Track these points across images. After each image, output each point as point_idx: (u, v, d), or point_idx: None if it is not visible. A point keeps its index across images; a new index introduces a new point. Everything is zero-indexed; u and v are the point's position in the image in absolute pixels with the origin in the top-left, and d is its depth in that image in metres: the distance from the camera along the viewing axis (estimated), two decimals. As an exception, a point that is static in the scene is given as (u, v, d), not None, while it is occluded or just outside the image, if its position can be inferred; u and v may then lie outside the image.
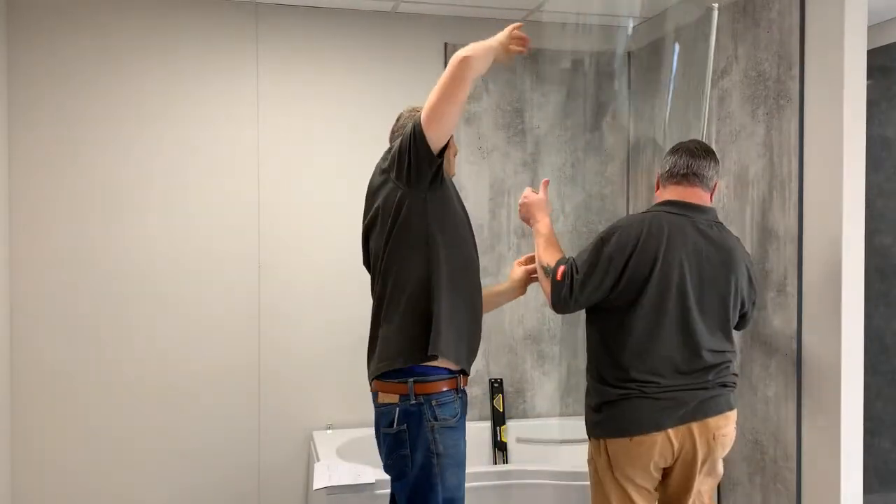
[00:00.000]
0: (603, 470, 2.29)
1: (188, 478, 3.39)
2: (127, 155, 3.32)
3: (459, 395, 2.17)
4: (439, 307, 2.07)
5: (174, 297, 3.37)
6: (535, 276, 2.54)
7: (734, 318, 2.33)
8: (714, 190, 2.37)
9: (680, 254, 2.22)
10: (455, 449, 2.11)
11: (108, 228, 3.30)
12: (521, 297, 3.36)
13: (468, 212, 2.30)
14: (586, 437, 2.36)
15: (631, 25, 3.80)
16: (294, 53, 3.49)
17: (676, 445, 2.20)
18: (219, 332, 3.42)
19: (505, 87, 3.70)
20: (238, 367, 3.44)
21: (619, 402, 2.22)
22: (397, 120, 2.34)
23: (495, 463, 3.59)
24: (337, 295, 3.51)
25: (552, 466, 3.03)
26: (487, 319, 3.71)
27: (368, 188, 2.30)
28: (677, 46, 2.93)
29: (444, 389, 2.10)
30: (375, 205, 2.19)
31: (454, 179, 2.32)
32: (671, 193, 2.34)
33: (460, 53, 1.99)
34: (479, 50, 2.01)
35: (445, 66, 3.62)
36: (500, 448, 3.63)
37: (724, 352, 2.28)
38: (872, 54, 2.96)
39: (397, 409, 2.08)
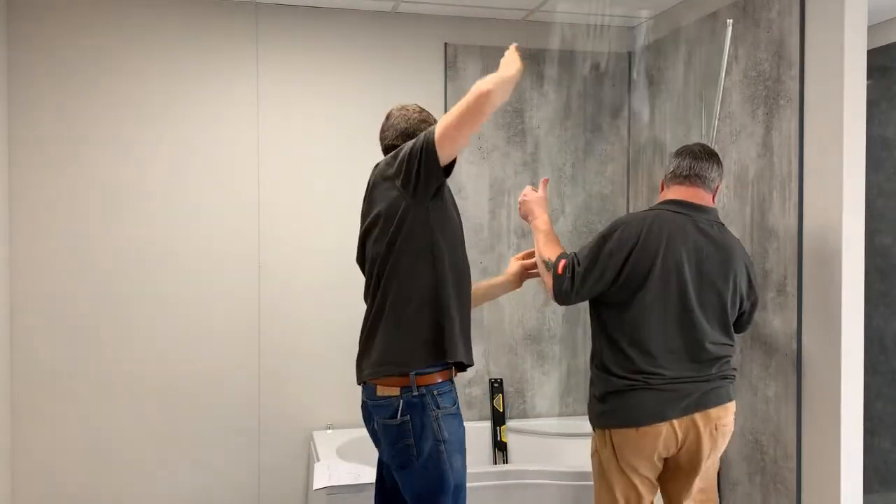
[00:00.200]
0: (607, 460, 2.35)
1: (188, 478, 3.39)
2: (127, 155, 3.32)
3: (453, 383, 2.25)
4: (449, 314, 2.16)
5: (174, 297, 3.37)
6: (531, 271, 2.60)
7: (732, 316, 2.39)
8: (716, 192, 2.45)
9: (680, 251, 2.29)
10: (457, 435, 2.19)
11: (108, 228, 3.30)
12: (522, 298, 3.37)
13: (468, 212, 2.32)
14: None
15: (635, 24, 3.81)
16: (294, 53, 3.49)
17: (680, 436, 2.27)
18: (219, 332, 3.42)
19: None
20: (238, 367, 3.44)
21: (624, 392, 2.28)
22: (387, 118, 2.36)
23: (495, 463, 3.59)
24: (337, 295, 3.50)
25: (552, 466, 3.03)
26: (487, 319, 3.72)
27: (369, 187, 2.31)
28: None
29: (441, 380, 2.18)
30: (377, 209, 2.21)
31: (452, 178, 2.33)
32: (674, 193, 2.41)
33: (483, 87, 1.99)
34: (502, 83, 2.03)
35: (445, 66, 3.68)
36: (500, 448, 3.63)
37: (725, 345, 2.35)
38: (872, 54, 2.96)
39: (400, 401, 2.14)
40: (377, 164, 2.32)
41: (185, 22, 3.37)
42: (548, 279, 2.38)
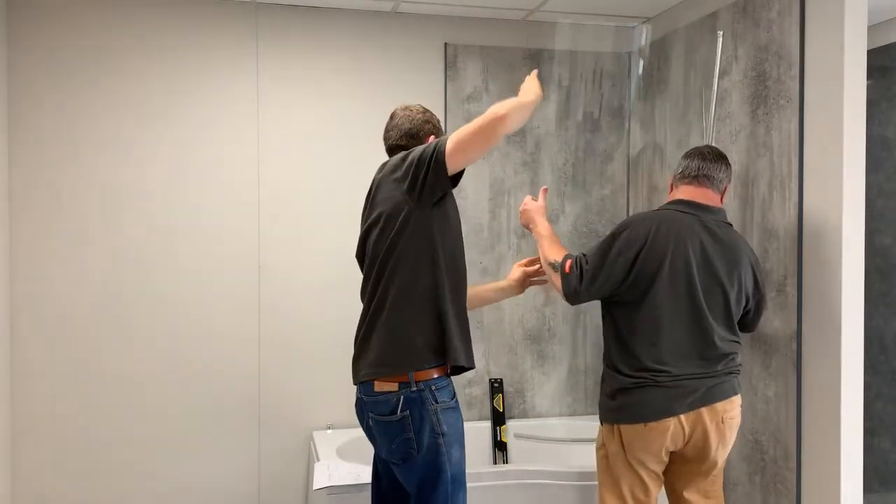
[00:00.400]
0: (614, 455, 2.42)
1: (188, 477, 3.39)
2: (127, 155, 3.32)
3: (450, 378, 2.28)
4: (447, 318, 2.18)
5: (174, 296, 3.37)
6: (534, 279, 2.67)
7: (737, 314, 2.44)
8: (724, 193, 2.50)
9: (688, 250, 2.34)
10: (456, 427, 2.23)
11: (108, 228, 3.30)
12: (522, 298, 3.37)
13: (468, 212, 2.34)
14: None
15: (635, 25, 3.81)
16: (294, 53, 3.49)
17: (687, 430, 2.33)
18: (219, 332, 3.42)
19: (505, 87, 3.70)
20: (238, 367, 3.44)
21: (632, 389, 2.34)
22: (391, 118, 2.41)
23: (495, 463, 3.59)
24: (337, 295, 3.50)
25: (552, 466, 3.03)
26: (487, 319, 3.72)
27: (373, 186, 2.34)
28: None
29: (438, 375, 2.21)
30: (380, 209, 2.24)
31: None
32: (682, 193, 2.48)
33: (499, 111, 2.07)
34: (520, 108, 2.10)
35: (445, 66, 3.68)
36: (500, 448, 3.63)
37: (732, 342, 2.41)
38: (872, 54, 2.96)
39: (400, 396, 2.17)
40: (384, 164, 2.34)
41: (185, 22, 3.37)
42: (556, 280, 2.44)
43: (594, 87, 3.82)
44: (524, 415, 3.77)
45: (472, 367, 2.28)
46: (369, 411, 2.28)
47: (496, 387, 3.71)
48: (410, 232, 2.16)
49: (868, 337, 2.90)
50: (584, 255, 2.43)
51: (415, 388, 2.16)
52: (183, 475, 3.39)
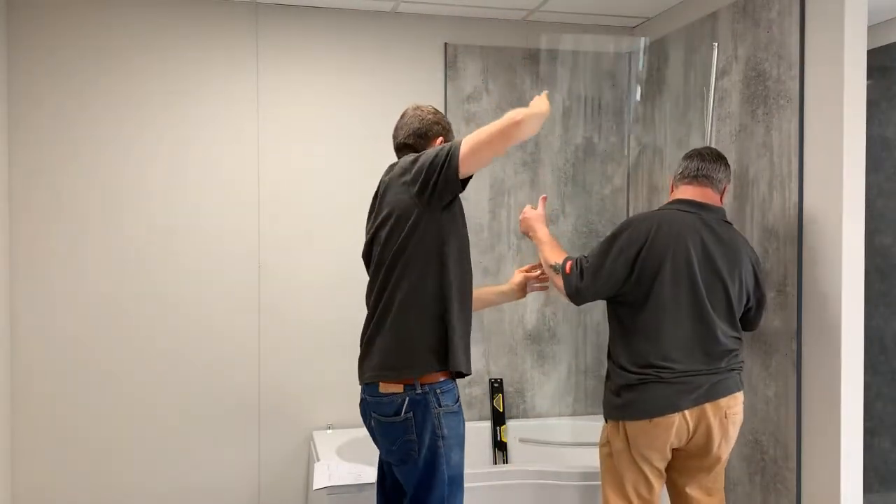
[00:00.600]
0: (619, 451, 2.44)
1: (188, 477, 3.39)
2: (127, 155, 3.32)
3: (454, 381, 2.30)
4: (453, 323, 2.21)
5: (174, 296, 3.37)
6: (535, 284, 2.73)
7: (739, 311, 2.47)
8: (724, 193, 2.54)
9: (689, 247, 2.37)
10: (457, 431, 2.25)
11: (108, 228, 3.30)
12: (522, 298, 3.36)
13: (468, 212, 2.36)
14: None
15: (635, 25, 3.81)
16: (294, 53, 3.49)
17: (691, 426, 2.35)
18: (219, 332, 3.42)
19: (505, 87, 3.70)
20: (238, 367, 3.44)
21: (637, 386, 2.37)
22: (402, 117, 2.43)
23: (495, 463, 3.59)
24: (337, 295, 3.50)
25: (552, 466, 3.03)
26: (487, 319, 3.72)
27: (381, 187, 2.34)
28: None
29: (443, 379, 2.23)
30: (388, 210, 2.24)
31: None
32: (682, 193, 2.52)
33: (517, 116, 2.07)
34: (534, 117, 2.11)
35: (445, 66, 3.68)
36: (500, 448, 3.63)
37: (734, 338, 2.44)
38: (872, 54, 2.96)
39: (406, 398, 2.19)
40: (392, 165, 2.34)
41: (185, 22, 3.37)
42: (558, 281, 2.48)
43: (594, 87, 3.81)
44: (524, 415, 3.77)
45: (468, 374, 2.29)
46: (372, 412, 2.29)
47: (496, 387, 3.71)
48: (420, 235, 2.17)
49: (868, 337, 2.90)
50: (585, 256, 2.48)
51: (420, 391, 2.18)
52: (183, 475, 3.39)
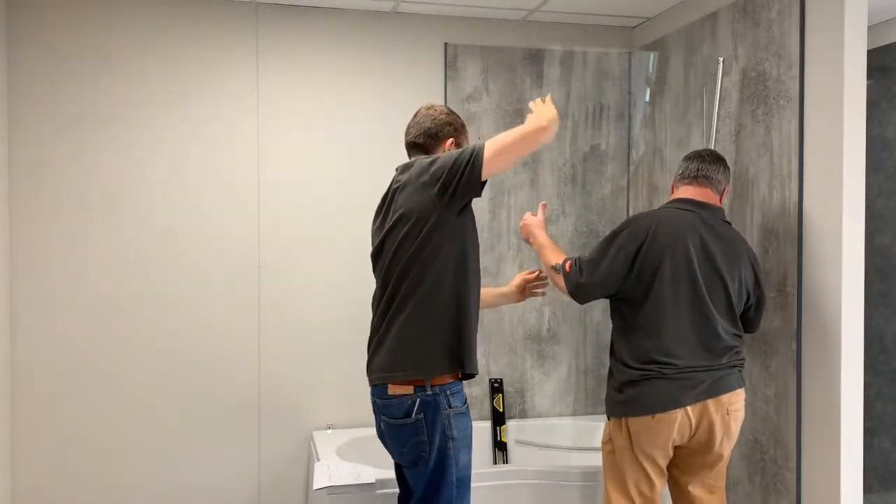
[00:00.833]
0: (621, 449, 2.46)
1: (188, 477, 3.39)
2: (127, 155, 3.32)
3: (462, 383, 2.32)
4: (468, 325, 2.24)
5: (174, 296, 3.37)
6: (536, 291, 2.78)
7: (738, 308, 2.49)
8: (723, 194, 2.58)
9: (688, 244, 2.40)
10: (465, 432, 2.27)
11: (108, 228, 3.30)
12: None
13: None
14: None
15: (635, 25, 3.80)
16: (294, 53, 3.49)
17: (694, 422, 2.37)
18: (219, 332, 3.42)
19: (505, 87, 3.70)
20: (238, 366, 3.44)
21: (640, 382, 2.40)
22: (414, 116, 2.44)
23: (495, 463, 3.59)
24: (337, 294, 3.51)
25: (552, 466, 3.03)
26: (487, 319, 3.72)
27: (393, 187, 2.32)
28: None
29: (452, 380, 2.26)
30: (403, 211, 2.23)
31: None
32: (682, 193, 2.56)
33: (541, 122, 2.15)
34: (555, 123, 2.18)
35: (445, 66, 3.68)
36: (500, 448, 3.63)
37: (734, 335, 2.46)
38: (872, 54, 2.96)
39: (417, 399, 2.20)
40: (405, 166, 2.33)
41: (185, 22, 3.37)
42: (559, 281, 2.53)
43: (594, 87, 3.81)
44: (524, 415, 3.77)
45: (476, 374, 2.32)
46: (382, 414, 2.30)
47: (496, 387, 3.71)
48: (438, 237, 2.19)
49: (868, 337, 2.90)
50: (585, 255, 2.53)
51: (430, 392, 2.19)
52: (183, 475, 3.39)
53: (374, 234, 2.38)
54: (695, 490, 2.50)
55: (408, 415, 2.21)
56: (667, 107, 3.51)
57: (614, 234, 2.48)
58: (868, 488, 2.78)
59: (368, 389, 2.39)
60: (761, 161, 2.83)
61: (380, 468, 2.83)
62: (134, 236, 3.33)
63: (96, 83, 3.28)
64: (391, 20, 3.59)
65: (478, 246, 2.33)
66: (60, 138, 3.25)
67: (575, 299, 2.53)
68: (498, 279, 3.66)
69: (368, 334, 2.38)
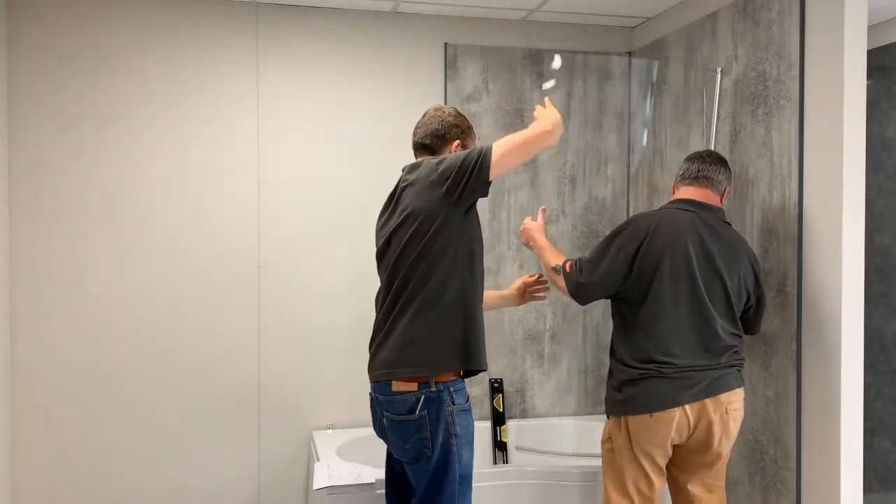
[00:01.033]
0: (620, 448, 2.47)
1: (188, 477, 3.39)
2: (127, 155, 3.32)
3: (464, 380, 2.34)
4: (474, 322, 2.27)
5: (174, 296, 3.37)
6: (536, 294, 2.81)
7: (738, 308, 2.50)
8: (724, 195, 2.59)
9: (688, 243, 2.42)
10: (468, 429, 2.29)
11: (108, 228, 3.30)
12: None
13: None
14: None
15: (635, 25, 3.80)
16: (294, 53, 3.49)
17: (692, 421, 2.38)
18: (218, 332, 3.42)
19: (505, 87, 3.70)
20: (238, 366, 3.44)
21: (639, 381, 2.41)
22: (423, 117, 2.46)
23: (495, 463, 3.59)
24: (337, 295, 3.51)
25: (552, 466, 3.03)
26: (488, 319, 3.71)
27: (399, 186, 2.35)
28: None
29: (455, 378, 2.28)
30: (409, 210, 2.25)
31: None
32: (683, 193, 2.58)
33: (546, 126, 2.21)
34: (559, 127, 2.24)
35: (445, 66, 3.68)
36: (500, 448, 3.63)
37: (734, 335, 2.47)
38: (872, 54, 2.96)
39: (421, 396, 2.22)
40: (412, 166, 2.36)
41: (185, 22, 3.37)
42: (560, 281, 2.55)
43: (594, 87, 3.81)
44: (524, 415, 3.77)
45: (485, 369, 2.34)
46: (384, 410, 2.30)
47: (496, 387, 3.71)
48: (446, 236, 2.22)
49: (868, 337, 2.90)
50: (585, 255, 2.55)
51: (434, 389, 2.21)
52: (183, 475, 3.39)
53: (380, 232, 2.40)
54: (694, 489, 2.51)
55: (411, 411, 2.22)
56: (667, 107, 3.51)
57: (614, 235, 2.50)
58: (868, 488, 2.78)
59: (367, 388, 2.39)
60: (761, 161, 2.83)
61: (380, 468, 2.81)
62: (134, 236, 3.33)
63: (96, 83, 3.28)
64: (391, 20, 3.59)
65: (483, 245, 2.36)
66: (60, 138, 3.25)
67: (576, 300, 2.55)
68: (498, 279, 3.66)
69: (370, 334, 2.39)
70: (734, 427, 2.45)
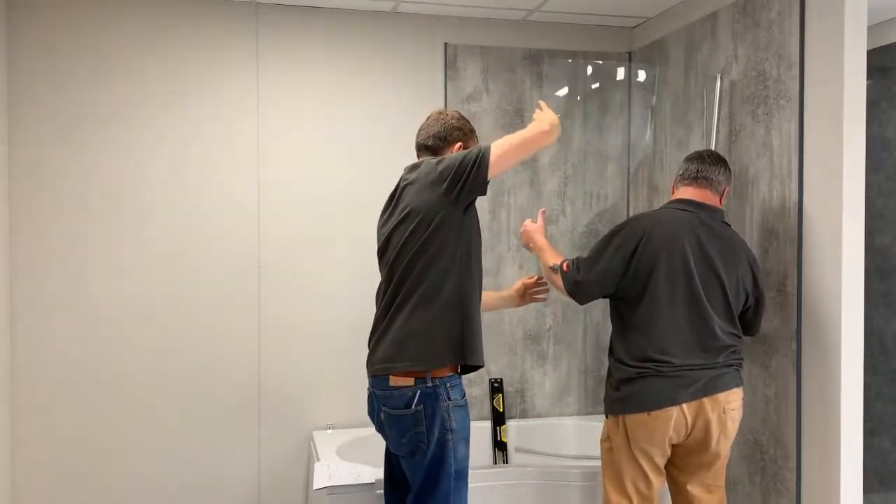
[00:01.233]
0: (619, 446, 2.48)
1: (188, 477, 3.39)
2: (127, 155, 3.32)
3: (460, 376, 2.36)
4: (472, 319, 2.29)
5: (174, 296, 3.37)
6: (536, 296, 2.82)
7: (737, 309, 2.50)
8: (724, 195, 2.60)
9: (685, 243, 2.42)
10: (464, 425, 2.31)
11: (108, 229, 3.30)
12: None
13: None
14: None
15: (635, 25, 3.80)
16: (294, 53, 3.49)
17: (690, 419, 2.38)
18: (218, 332, 3.42)
19: (505, 88, 3.70)
20: (238, 366, 3.44)
21: (636, 379, 2.41)
22: (426, 119, 2.52)
23: (495, 463, 3.59)
24: (337, 295, 3.50)
25: (552, 466, 3.03)
26: (487, 319, 3.72)
27: (400, 185, 2.40)
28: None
29: (451, 373, 2.31)
30: (410, 207, 2.30)
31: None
32: (682, 193, 2.58)
33: (544, 126, 2.27)
34: (557, 128, 2.29)
35: (445, 66, 3.68)
36: (500, 448, 3.63)
37: (732, 334, 2.47)
38: (872, 54, 2.96)
39: (417, 391, 2.25)
40: (415, 165, 2.41)
41: (185, 22, 3.37)
42: (558, 280, 2.57)
43: (594, 87, 3.81)
44: (524, 415, 3.77)
45: (482, 366, 2.37)
46: (381, 405, 2.33)
47: (496, 387, 3.71)
48: (444, 233, 2.26)
49: (868, 337, 2.90)
50: (583, 255, 2.57)
51: (430, 384, 2.24)
52: (183, 475, 3.39)
53: (381, 230, 2.45)
54: (693, 489, 2.51)
55: (408, 406, 2.25)
56: (667, 107, 3.51)
57: (612, 234, 2.52)
58: (868, 488, 2.78)
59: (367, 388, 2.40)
60: (761, 161, 2.83)
61: (380, 468, 2.82)
62: (134, 236, 3.33)
63: (96, 83, 3.28)
64: (391, 20, 3.59)
65: (481, 243, 2.39)
66: (60, 138, 3.25)
67: (574, 298, 2.56)
68: (497, 279, 3.66)
69: (369, 331, 2.41)
70: (732, 427, 2.46)
